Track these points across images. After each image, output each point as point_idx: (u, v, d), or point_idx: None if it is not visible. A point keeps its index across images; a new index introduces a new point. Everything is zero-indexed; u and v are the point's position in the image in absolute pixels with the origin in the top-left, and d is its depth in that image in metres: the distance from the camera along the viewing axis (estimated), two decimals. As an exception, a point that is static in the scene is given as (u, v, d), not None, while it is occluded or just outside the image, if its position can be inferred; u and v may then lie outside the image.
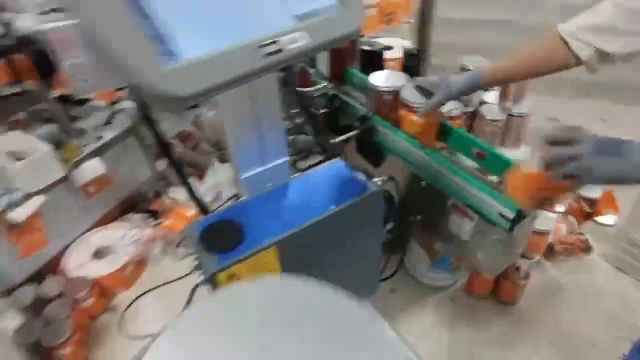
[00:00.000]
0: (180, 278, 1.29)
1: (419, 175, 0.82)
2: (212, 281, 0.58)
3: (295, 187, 0.75)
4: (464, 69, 1.16)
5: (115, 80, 0.57)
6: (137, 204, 1.59)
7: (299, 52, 0.29)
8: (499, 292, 1.24)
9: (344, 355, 0.20)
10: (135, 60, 0.22)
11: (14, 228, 1.14)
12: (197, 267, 0.62)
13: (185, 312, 0.22)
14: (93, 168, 1.32)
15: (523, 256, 1.19)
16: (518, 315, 1.23)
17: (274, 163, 0.73)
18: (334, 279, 0.79)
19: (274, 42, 0.27)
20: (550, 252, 1.33)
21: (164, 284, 1.32)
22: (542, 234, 1.17)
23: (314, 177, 0.77)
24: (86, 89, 0.51)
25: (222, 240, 0.64)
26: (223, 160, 1.75)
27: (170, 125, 2.12)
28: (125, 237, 1.40)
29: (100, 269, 1.28)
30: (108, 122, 1.46)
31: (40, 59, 0.47)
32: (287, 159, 0.74)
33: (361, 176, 0.76)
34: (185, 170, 1.77)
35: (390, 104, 0.82)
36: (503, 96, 1.19)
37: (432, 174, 0.77)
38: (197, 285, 0.66)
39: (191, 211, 1.46)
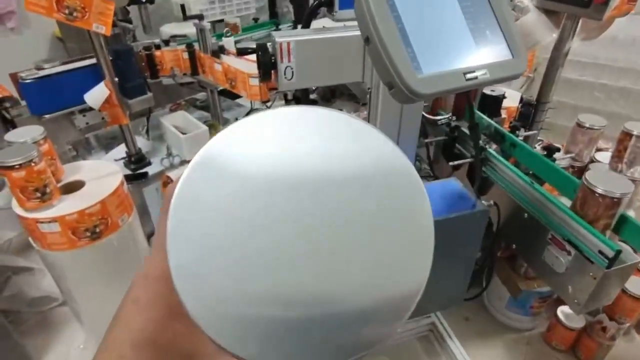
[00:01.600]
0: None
1: (522, 206, 0.91)
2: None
3: (414, 193, 0.89)
4: (580, 126, 1.22)
5: (307, 82, 0.78)
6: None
7: (483, 82, 0.44)
8: (579, 348, 1.23)
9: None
10: (403, 71, 0.39)
11: (166, 185, 1.43)
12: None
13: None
14: (230, 152, 1.59)
15: (612, 319, 1.18)
16: (595, 377, 1.21)
17: (401, 169, 0.88)
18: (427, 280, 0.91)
19: (471, 72, 0.42)
20: (642, 324, 1.28)
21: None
22: (638, 299, 1.15)
23: (430, 188, 0.90)
24: (289, 85, 0.71)
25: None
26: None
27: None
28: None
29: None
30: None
31: (265, 59, 0.69)
32: (411, 168, 0.89)
33: (472, 195, 0.88)
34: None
35: (608, 207, 0.72)
36: (616, 157, 1.22)
37: (536, 207, 0.86)
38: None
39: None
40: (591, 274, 0.76)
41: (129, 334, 0.22)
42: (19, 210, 0.83)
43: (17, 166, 0.77)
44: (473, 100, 1.24)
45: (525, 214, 0.90)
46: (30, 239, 0.90)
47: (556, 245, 0.82)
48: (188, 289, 0.18)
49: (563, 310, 1.25)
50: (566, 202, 0.86)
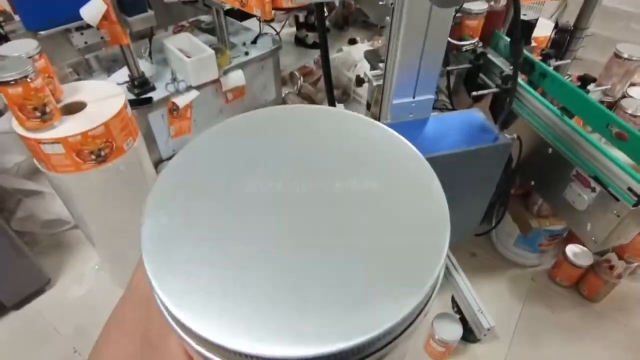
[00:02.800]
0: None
1: (547, 141, 0.86)
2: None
3: (434, 124, 0.84)
4: (618, 56, 1.12)
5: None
6: (258, 120, 1.80)
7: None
8: (583, 285, 1.25)
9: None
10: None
11: (172, 112, 1.39)
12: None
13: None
14: (237, 78, 1.51)
15: (621, 258, 1.18)
16: (598, 311, 1.23)
17: (422, 97, 0.82)
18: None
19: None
20: (650, 264, 1.28)
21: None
22: (650, 240, 1.14)
23: (452, 119, 0.85)
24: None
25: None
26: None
27: (293, 60, 2.29)
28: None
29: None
30: (254, 42, 1.64)
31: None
32: (433, 96, 0.83)
33: (494, 127, 0.82)
34: (301, 103, 1.94)
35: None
36: (652, 93, 1.13)
37: (563, 142, 0.81)
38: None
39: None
40: (615, 212, 0.73)
41: None
42: (20, 130, 0.80)
43: (12, 82, 0.72)
44: (501, 26, 1.14)
45: (550, 149, 0.85)
46: (35, 160, 0.88)
47: (580, 182, 0.79)
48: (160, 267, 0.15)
49: (572, 249, 1.24)
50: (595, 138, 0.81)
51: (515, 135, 0.88)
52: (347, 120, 0.21)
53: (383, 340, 0.14)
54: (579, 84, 0.93)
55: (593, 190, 0.76)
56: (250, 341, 0.13)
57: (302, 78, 2.09)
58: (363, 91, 2.11)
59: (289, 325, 0.14)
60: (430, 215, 0.17)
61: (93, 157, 0.84)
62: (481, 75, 1.07)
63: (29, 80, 0.74)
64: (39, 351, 1.11)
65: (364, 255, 0.15)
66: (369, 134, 0.20)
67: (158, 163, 1.47)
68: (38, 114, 0.78)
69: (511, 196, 1.22)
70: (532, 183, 0.94)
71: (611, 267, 1.16)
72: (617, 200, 0.71)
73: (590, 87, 1.12)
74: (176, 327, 0.15)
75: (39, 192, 1.36)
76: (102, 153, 0.85)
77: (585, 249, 1.24)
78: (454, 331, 1.06)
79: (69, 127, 0.81)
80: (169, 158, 1.49)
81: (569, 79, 1.18)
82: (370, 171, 0.18)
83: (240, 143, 0.20)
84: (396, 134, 0.20)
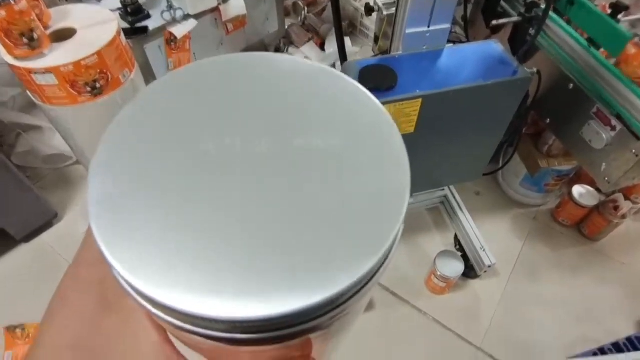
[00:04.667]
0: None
1: (569, 76, 0.81)
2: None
3: (449, 56, 0.78)
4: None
5: None
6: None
7: None
8: (585, 224, 1.26)
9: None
10: None
11: (170, 43, 1.31)
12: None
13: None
14: (238, 7, 1.41)
15: (627, 198, 1.17)
16: (597, 250, 1.25)
17: (437, 27, 0.76)
18: (450, 152, 0.86)
19: None
20: (655, 206, 1.28)
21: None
22: (660, 181, 1.12)
23: (468, 51, 0.79)
24: None
25: (377, 80, 0.72)
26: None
27: (297, -12, 2.13)
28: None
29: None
30: (254, -34, 1.51)
31: None
32: (449, 26, 0.76)
33: (514, 60, 0.77)
34: (305, 35, 1.83)
35: None
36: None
37: (587, 77, 0.76)
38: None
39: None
40: (634, 151, 0.70)
41: (61, 338, 0.20)
42: (9, 59, 0.76)
43: (-6, 4, 0.66)
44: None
45: (571, 85, 0.80)
46: (29, 92, 0.84)
47: (600, 120, 0.75)
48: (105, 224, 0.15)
49: (578, 189, 1.23)
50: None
51: (535, 70, 0.82)
52: (311, 72, 0.20)
53: (339, 300, 0.14)
54: (609, 12, 0.86)
55: (613, 128, 0.73)
56: (209, 303, 0.14)
57: (306, 8, 1.96)
58: (371, 23, 1.99)
59: (247, 286, 0.14)
60: (390, 174, 0.17)
61: (88, 89, 0.80)
62: (502, 2, 0.99)
63: (12, 2, 0.68)
64: (50, 280, 1.14)
65: (320, 216, 0.16)
66: (332, 86, 0.20)
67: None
68: (26, 40, 0.73)
69: (522, 135, 1.18)
70: (547, 121, 0.90)
71: (616, 208, 1.16)
72: (639, 139, 0.68)
73: (620, 16, 1.03)
74: (135, 296, 0.15)
75: (37, 127, 1.33)
76: (98, 85, 0.81)
77: (591, 189, 1.23)
78: (455, 268, 1.09)
79: (60, 55, 0.76)
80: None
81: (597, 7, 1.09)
82: (332, 127, 0.18)
83: (195, 95, 0.19)
84: (361, 87, 0.19)
